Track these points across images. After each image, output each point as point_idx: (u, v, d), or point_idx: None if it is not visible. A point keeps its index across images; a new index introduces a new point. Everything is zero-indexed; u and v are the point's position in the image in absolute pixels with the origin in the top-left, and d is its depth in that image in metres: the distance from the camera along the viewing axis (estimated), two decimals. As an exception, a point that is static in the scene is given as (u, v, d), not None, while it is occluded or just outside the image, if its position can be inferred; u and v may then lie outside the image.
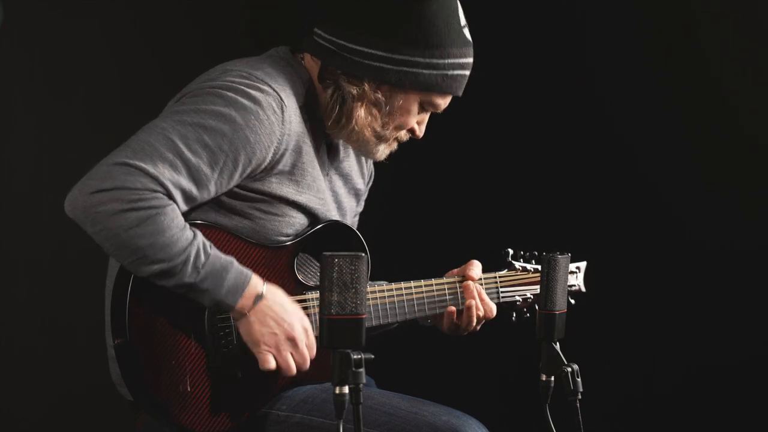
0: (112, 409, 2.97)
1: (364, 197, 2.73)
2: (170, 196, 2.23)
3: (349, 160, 2.62)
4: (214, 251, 2.27)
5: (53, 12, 3.60)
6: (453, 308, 2.57)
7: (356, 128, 2.43)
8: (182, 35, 3.83)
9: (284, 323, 2.31)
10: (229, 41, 3.90)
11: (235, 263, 2.28)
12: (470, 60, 2.45)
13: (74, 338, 3.62)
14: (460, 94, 2.48)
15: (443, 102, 2.47)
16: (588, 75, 3.90)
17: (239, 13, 3.99)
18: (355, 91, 2.41)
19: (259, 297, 2.29)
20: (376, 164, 2.68)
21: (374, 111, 2.43)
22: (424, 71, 2.39)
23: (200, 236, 2.26)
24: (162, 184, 2.21)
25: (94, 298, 2.56)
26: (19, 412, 3.61)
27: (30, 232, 3.57)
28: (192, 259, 2.23)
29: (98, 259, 2.41)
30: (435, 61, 2.39)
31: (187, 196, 2.27)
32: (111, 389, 2.42)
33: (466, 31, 2.44)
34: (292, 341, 2.32)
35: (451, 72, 2.41)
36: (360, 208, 2.73)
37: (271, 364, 2.32)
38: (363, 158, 2.67)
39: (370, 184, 2.74)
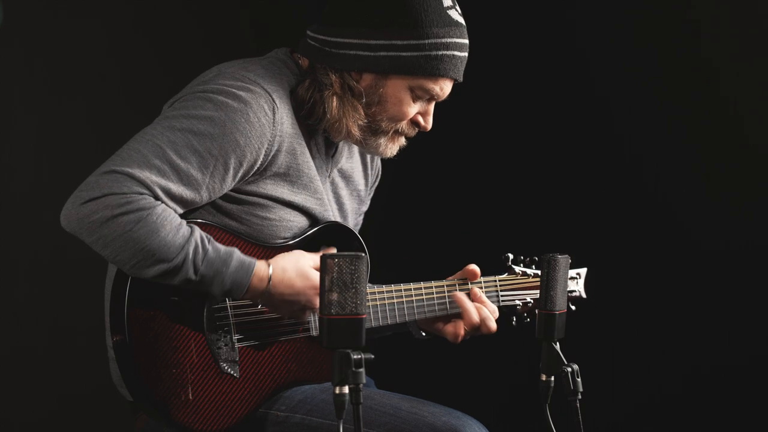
0: (112, 409, 2.97)
1: (369, 196, 2.73)
2: (157, 198, 2.23)
3: (353, 162, 2.61)
4: (213, 245, 2.27)
5: (53, 12, 3.60)
6: (459, 321, 2.56)
7: (332, 119, 2.41)
8: (183, 35, 3.83)
9: (300, 297, 2.34)
10: (230, 41, 3.90)
11: (236, 253, 2.28)
12: (458, 40, 2.39)
13: (74, 339, 3.62)
14: (455, 76, 2.42)
15: (436, 87, 2.42)
16: (589, 76, 3.90)
17: (241, 13, 3.99)
18: (328, 82, 2.40)
19: (268, 281, 2.31)
20: (383, 163, 2.68)
21: (353, 101, 2.41)
22: (403, 54, 2.37)
23: (198, 232, 2.26)
24: (148, 187, 2.22)
25: (94, 298, 2.56)
26: (19, 413, 3.61)
27: (30, 232, 3.57)
28: (191, 256, 2.23)
29: (98, 260, 2.41)
30: (414, 42, 2.36)
31: (177, 200, 2.27)
32: (111, 389, 2.42)
33: (453, 12, 2.39)
34: (311, 308, 2.36)
35: (434, 53, 2.37)
36: (365, 207, 2.72)
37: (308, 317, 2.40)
38: (368, 159, 2.66)
39: (377, 183, 2.73)
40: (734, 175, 3.71)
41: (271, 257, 2.39)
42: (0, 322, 3.57)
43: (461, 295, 2.57)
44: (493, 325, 2.57)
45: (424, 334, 2.64)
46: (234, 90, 2.31)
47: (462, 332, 2.56)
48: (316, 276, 2.34)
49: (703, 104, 3.74)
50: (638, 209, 3.84)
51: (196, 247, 2.24)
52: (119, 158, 2.23)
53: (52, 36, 3.60)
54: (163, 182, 2.24)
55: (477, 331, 2.57)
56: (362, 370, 2.00)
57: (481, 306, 2.57)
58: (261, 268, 2.31)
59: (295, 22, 3.82)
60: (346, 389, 2.00)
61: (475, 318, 2.54)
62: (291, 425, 2.42)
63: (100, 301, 2.40)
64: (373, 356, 2.02)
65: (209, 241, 2.27)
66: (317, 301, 2.32)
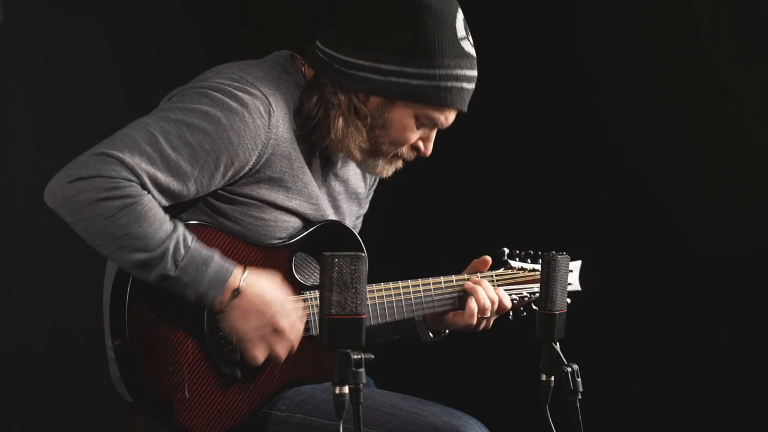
0: (112, 410, 2.97)
1: (368, 198, 2.72)
2: (144, 187, 2.23)
3: (348, 164, 2.61)
4: (195, 244, 2.26)
5: (53, 11, 3.60)
6: (473, 306, 2.56)
7: (335, 139, 2.41)
8: (183, 35, 3.83)
9: (266, 315, 2.31)
10: (230, 41, 3.90)
11: (217, 257, 2.27)
12: (467, 72, 2.40)
13: (74, 339, 3.62)
14: (461, 107, 2.43)
15: (442, 116, 2.42)
16: (586, 75, 3.90)
17: (241, 13, 3.99)
18: (336, 101, 2.39)
19: (236, 292, 2.28)
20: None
21: (358, 123, 2.41)
22: (413, 81, 2.36)
23: (181, 229, 2.26)
24: (137, 174, 2.22)
25: (94, 298, 2.56)
26: (18, 413, 3.61)
27: (30, 232, 3.57)
28: (171, 250, 2.22)
29: (98, 260, 2.41)
30: (424, 71, 2.36)
31: (164, 191, 2.26)
32: (111, 390, 2.41)
33: (465, 44, 2.39)
34: (278, 332, 2.32)
35: (443, 83, 2.37)
36: (363, 210, 2.72)
37: (260, 360, 2.34)
38: None
39: (375, 185, 2.73)
40: (734, 177, 3.71)
41: (270, 259, 2.40)
42: (0, 322, 3.57)
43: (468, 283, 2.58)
44: (508, 303, 2.59)
45: (432, 335, 2.64)
46: (232, 90, 2.32)
47: (474, 307, 2.55)
48: (284, 296, 2.33)
49: (704, 106, 3.74)
50: (639, 211, 3.84)
51: (178, 242, 2.24)
52: (111, 142, 2.24)
53: (52, 36, 3.60)
54: (152, 170, 2.23)
55: (491, 313, 2.57)
56: (362, 370, 2.00)
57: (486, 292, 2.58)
58: (237, 271, 2.29)
59: (295, 22, 3.83)
60: (346, 389, 2.00)
61: (486, 301, 2.55)
62: (291, 425, 2.42)
63: (100, 301, 2.39)
64: (373, 356, 2.02)
65: (193, 239, 2.27)
66: (282, 321, 2.31)
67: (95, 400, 3.49)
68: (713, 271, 3.72)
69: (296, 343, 2.35)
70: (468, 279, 2.59)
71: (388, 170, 2.50)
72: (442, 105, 2.40)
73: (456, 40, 2.38)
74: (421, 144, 2.47)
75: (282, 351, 2.34)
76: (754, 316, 3.68)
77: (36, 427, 3.65)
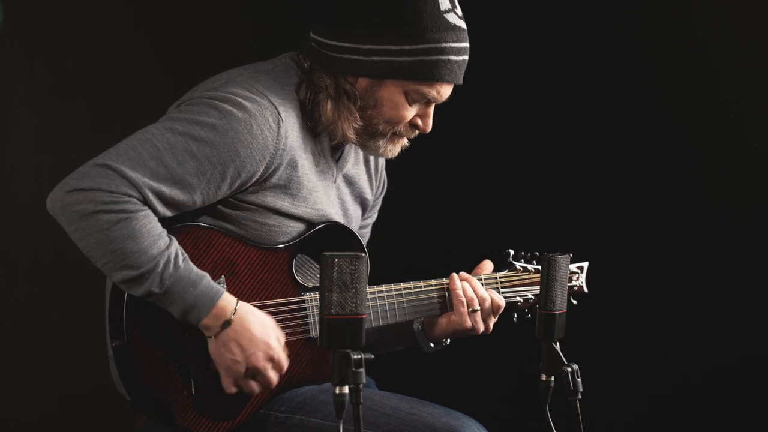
0: (112, 409, 2.97)
1: (376, 207, 2.72)
2: (146, 202, 2.23)
3: (358, 168, 2.60)
4: (186, 264, 2.26)
5: (54, 12, 3.60)
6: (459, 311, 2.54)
7: (326, 122, 2.40)
8: (184, 35, 3.83)
9: (248, 351, 2.30)
10: (230, 41, 3.89)
11: (206, 280, 2.27)
12: (453, 44, 2.36)
13: (74, 338, 3.62)
14: (451, 80, 2.39)
15: (432, 91, 2.40)
16: (589, 76, 3.90)
17: (241, 13, 3.98)
18: (322, 84, 2.40)
19: (226, 323, 2.28)
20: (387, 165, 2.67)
21: (349, 105, 2.40)
22: (396, 59, 2.35)
23: (174, 246, 2.26)
24: (138, 189, 2.22)
25: (94, 298, 2.56)
26: (19, 412, 3.61)
27: (30, 232, 3.57)
28: (160, 268, 2.22)
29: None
30: (406, 47, 2.34)
31: (169, 203, 2.26)
32: (111, 389, 2.41)
33: (451, 16, 2.37)
34: (255, 370, 2.32)
35: (428, 58, 2.35)
36: (372, 219, 2.72)
37: (231, 390, 2.33)
38: (373, 168, 2.65)
39: (383, 194, 2.72)
40: (734, 178, 3.71)
41: (270, 260, 2.39)
42: (0, 322, 3.57)
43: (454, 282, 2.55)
44: (501, 301, 2.56)
45: (432, 345, 2.63)
46: (240, 100, 2.31)
47: (460, 302, 2.53)
48: (272, 336, 2.32)
49: (704, 106, 3.73)
50: (639, 211, 3.84)
51: (168, 261, 2.24)
52: (116, 153, 2.24)
53: (52, 36, 3.60)
54: (155, 185, 2.23)
55: (482, 309, 2.55)
56: (362, 370, 2.00)
57: (472, 287, 2.55)
58: (228, 298, 2.29)
59: (295, 22, 3.82)
60: (346, 389, 2.00)
61: (470, 292, 2.53)
62: (290, 426, 2.42)
63: (100, 301, 2.39)
64: (372, 356, 2.02)
65: (184, 259, 2.26)
66: (261, 361, 2.30)
67: (95, 400, 3.49)
68: (713, 271, 3.72)
69: (274, 381, 2.34)
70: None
71: (392, 150, 2.48)
72: (429, 79, 2.37)
73: (439, 13, 2.35)
74: (419, 120, 2.45)
75: (255, 387, 2.34)
76: (754, 316, 3.68)
77: (36, 427, 3.65)
